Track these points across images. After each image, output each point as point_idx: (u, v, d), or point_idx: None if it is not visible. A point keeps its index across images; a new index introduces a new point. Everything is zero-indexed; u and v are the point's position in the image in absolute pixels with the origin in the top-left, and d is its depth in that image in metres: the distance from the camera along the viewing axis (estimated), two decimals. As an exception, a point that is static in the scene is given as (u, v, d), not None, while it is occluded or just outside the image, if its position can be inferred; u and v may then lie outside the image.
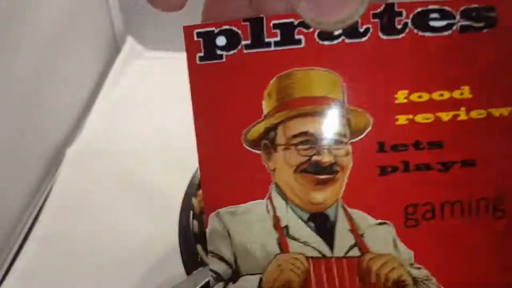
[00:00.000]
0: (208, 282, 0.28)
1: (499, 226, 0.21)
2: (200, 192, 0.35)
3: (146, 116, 0.58)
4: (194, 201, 0.34)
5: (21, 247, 0.44)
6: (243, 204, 0.21)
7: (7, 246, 0.44)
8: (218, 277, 0.21)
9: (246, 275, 0.21)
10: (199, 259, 0.31)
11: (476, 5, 0.19)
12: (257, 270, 0.21)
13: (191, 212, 0.33)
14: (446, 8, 0.19)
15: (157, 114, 0.58)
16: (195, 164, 0.36)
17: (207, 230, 0.21)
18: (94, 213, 0.45)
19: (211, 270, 0.22)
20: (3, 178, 0.44)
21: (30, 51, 0.49)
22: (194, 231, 0.33)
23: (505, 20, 0.20)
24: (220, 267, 0.21)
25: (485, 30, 0.20)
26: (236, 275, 0.21)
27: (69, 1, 0.58)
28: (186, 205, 0.34)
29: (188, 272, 0.30)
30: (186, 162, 0.37)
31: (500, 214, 0.21)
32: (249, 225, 0.21)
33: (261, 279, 0.21)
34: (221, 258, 0.21)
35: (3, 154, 0.44)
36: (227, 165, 0.22)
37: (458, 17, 0.20)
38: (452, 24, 0.20)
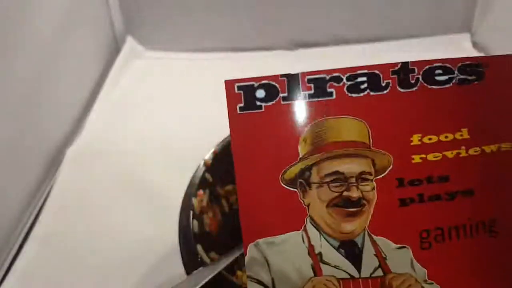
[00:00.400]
0: (208, 282, 0.28)
1: (493, 244, 0.24)
2: (200, 192, 0.35)
3: (146, 116, 0.58)
4: (194, 201, 0.34)
5: (21, 247, 0.44)
6: (280, 235, 0.24)
7: (7, 246, 0.44)
8: None
9: None
10: (199, 259, 0.31)
11: (469, 62, 0.24)
12: None
13: (191, 212, 0.33)
14: (447, 65, 0.24)
15: (157, 114, 0.58)
16: (195, 164, 0.36)
17: (246, 258, 0.24)
18: (94, 213, 0.45)
19: None
20: (3, 178, 0.44)
21: (30, 51, 0.49)
22: (194, 231, 0.32)
23: (490, 74, 0.24)
24: None
25: (476, 82, 0.24)
26: None
27: (69, 1, 0.58)
28: (186, 205, 0.34)
29: (188, 272, 0.30)
30: (186, 162, 0.37)
31: (494, 234, 0.24)
32: (286, 253, 0.24)
33: None
34: (260, 282, 0.24)
35: (3, 154, 0.44)
36: (265, 201, 0.24)
37: (456, 72, 0.24)
38: (452, 78, 0.24)
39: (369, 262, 0.24)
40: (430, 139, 0.24)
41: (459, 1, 0.65)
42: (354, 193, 0.24)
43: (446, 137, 0.24)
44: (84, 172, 0.50)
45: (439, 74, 0.24)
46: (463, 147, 0.24)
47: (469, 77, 0.24)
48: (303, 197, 0.24)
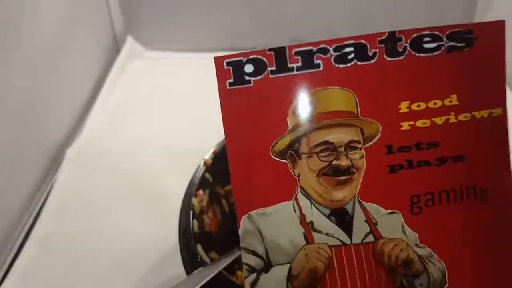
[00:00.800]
0: (208, 282, 0.28)
1: (484, 209, 0.25)
2: (200, 192, 0.35)
3: (146, 116, 0.58)
4: (194, 201, 0.34)
5: (21, 247, 0.44)
6: (272, 206, 0.25)
7: (7, 246, 0.44)
8: (252, 269, 0.24)
9: (277, 265, 0.24)
10: (199, 259, 0.31)
11: (458, 29, 0.25)
12: (286, 260, 0.24)
13: (191, 212, 0.33)
14: (436, 32, 0.24)
15: (157, 114, 0.58)
16: (195, 164, 0.36)
17: (240, 230, 0.25)
18: (94, 213, 0.45)
19: (245, 264, 0.24)
20: (3, 178, 0.44)
21: (30, 51, 0.49)
22: (194, 231, 0.33)
23: (479, 41, 0.25)
24: (253, 261, 0.24)
25: (466, 49, 0.25)
26: (268, 266, 0.24)
27: (69, 1, 0.58)
28: (186, 205, 0.34)
29: (188, 272, 0.30)
30: (186, 162, 0.37)
31: (485, 200, 0.25)
32: (278, 223, 0.24)
33: (290, 268, 0.24)
34: (254, 253, 0.24)
35: (3, 154, 0.44)
36: (256, 174, 0.25)
37: (445, 39, 0.25)
38: (441, 46, 0.25)
39: (360, 228, 0.24)
40: (418, 106, 0.24)
41: (459, 1, 0.65)
42: (343, 162, 0.24)
43: (435, 103, 0.24)
44: (84, 172, 0.50)
45: (428, 42, 0.24)
46: (452, 113, 0.25)
47: (458, 44, 0.25)
48: (293, 167, 0.25)
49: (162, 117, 0.57)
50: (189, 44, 0.69)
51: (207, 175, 0.36)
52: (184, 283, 0.29)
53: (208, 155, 0.36)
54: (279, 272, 0.24)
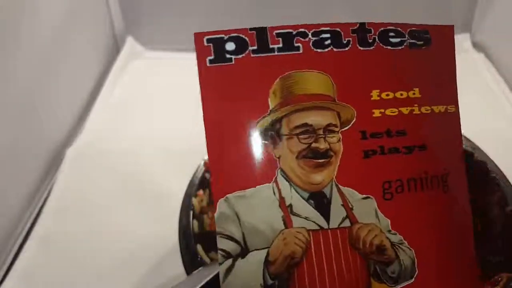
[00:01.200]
0: (208, 282, 0.28)
1: (446, 198, 0.26)
2: (200, 192, 0.35)
3: (146, 116, 0.58)
4: (194, 201, 0.34)
5: (21, 247, 0.44)
6: (251, 188, 0.24)
7: (7, 246, 0.44)
8: (227, 255, 0.24)
9: (253, 250, 0.24)
10: (199, 259, 0.31)
11: (415, 28, 0.26)
12: (264, 245, 0.24)
13: (191, 212, 0.33)
14: (399, 28, 0.26)
15: (157, 114, 0.58)
16: (195, 164, 0.36)
17: (216, 214, 0.24)
18: (94, 213, 0.45)
19: (220, 249, 0.24)
20: (3, 178, 0.44)
21: (30, 51, 0.49)
22: (194, 231, 0.32)
23: (435, 41, 0.26)
24: (229, 246, 0.24)
25: (424, 48, 0.26)
26: (244, 251, 0.24)
27: (69, 1, 0.58)
28: (186, 205, 0.34)
29: (188, 272, 0.30)
30: (186, 162, 0.37)
31: (446, 189, 0.26)
32: (257, 206, 0.24)
33: (268, 253, 0.24)
34: (230, 238, 0.24)
35: (3, 154, 0.44)
36: (235, 155, 0.25)
37: (407, 36, 0.26)
38: (404, 41, 0.26)
39: (337, 212, 0.24)
40: (387, 95, 0.25)
41: (459, 1, 0.65)
42: (322, 145, 0.25)
43: (401, 94, 0.25)
44: (84, 172, 0.50)
45: (392, 36, 0.26)
46: (415, 105, 0.26)
47: (418, 42, 0.26)
48: (273, 148, 0.25)
49: (162, 117, 0.57)
50: (189, 44, 0.69)
51: (207, 175, 0.36)
52: (184, 283, 0.29)
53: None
54: (256, 257, 0.24)
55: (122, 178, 0.48)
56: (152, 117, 0.58)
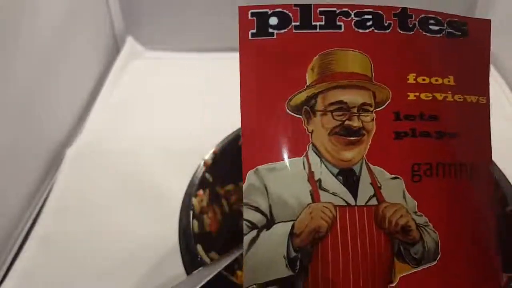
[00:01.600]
0: (208, 282, 0.28)
1: (471, 187, 0.26)
2: (200, 192, 0.35)
3: (146, 116, 0.58)
4: (194, 201, 0.34)
5: (21, 247, 0.44)
6: (282, 161, 0.25)
7: (7, 246, 0.44)
8: (253, 226, 0.24)
9: (279, 222, 0.24)
10: (199, 259, 0.31)
11: (455, 19, 0.27)
12: (290, 217, 0.24)
13: (191, 212, 0.33)
14: (439, 17, 0.26)
15: (157, 114, 0.58)
16: (195, 164, 0.36)
17: (244, 185, 0.24)
18: (94, 213, 0.45)
19: (246, 220, 0.24)
20: (3, 178, 0.44)
21: (30, 51, 0.49)
22: (194, 231, 0.32)
23: (472, 33, 0.27)
24: (255, 217, 0.24)
25: (461, 38, 0.27)
26: (270, 223, 0.24)
27: (69, 1, 0.58)
28: (186, 205, 0.34)
29: (188, 272, 0.30)
30: (186, 162, 0.37)
31: (473, 178, 0.26)
32: (286, 179, 0.24)
33: (293, 225, 0.24)
34: (256, 209, 0.24)
35: (3, 154, 0.44)
36: (269, 128, 0.25)
37: (446, 25, 0.27)
38: (442, 30, 0.26)
39: (365, 190, 0.25)
40: (423, 79, 0.26)
41: (459, 1, 0.65)
42: (355, 123, 0.25)
43: (437, 80, 0.26)
44: (84, 172, 0.50)
45: (432, 24, 0.26)
46: (449, 92, 0.26)
47: (456, 32, 0.26)
48: (307, 123, 0.25)
49: (162, 117, 0.57)
50: (189, 44, 0.69)
51: (207, 175, 0.36)
52: (184, 283, 0.29)
53: (208, 155, 0.36)
54: (281, 229, 0.24)
55: (122, 178, 0.48)
56: (152, 117, 0.58)
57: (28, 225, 0.46)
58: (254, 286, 0.24)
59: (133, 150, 0.52)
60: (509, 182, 0.31)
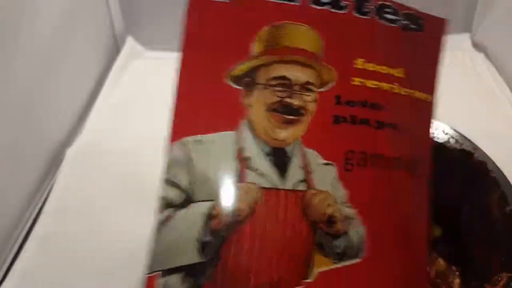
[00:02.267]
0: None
1: (410, 181, 0.25)
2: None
3: (146, 116, 0.58)
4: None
5: (21, 247, 0.44)
6: (211, 134, 0.23)
7: (7, 246, 0.44)
8: (168, 204, 0.23)
9: (198, 201, 0.22)
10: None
11: (411, 12, 0.26)
12: (210, 197, 0.22)
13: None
14: (395, 7, 0.26)
15: (157, 114, 0.58)
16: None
17: (167, 159, 0.23)
18: (94, 213, 0.45)
19: (162, 197, 0.23)
20: (3, 178, 0.44)
21: (30, 52, 0.48)
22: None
23: (428, 29, 0.26)
24: (173, 194, 0.23)
25: (416, 32, 0.26)
26: (187, 201, 0.22)
27: (69, 1, 0.58)
28: (186, 205, 0.34)
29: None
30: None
31: (410, 175, 0.25)
32: (213, 153, 0.23)
33: (212, 206, 0.22)
34: (176, 185, 0.23)
35: (3, 154, 0.44)
36: (205, 97, 0.24)
37: (402, 16, 0.26)
38: (398, 20, 0.26)
39: (294, 173, 0.23)
40: (372, 66, 0.25)
41: (459, 1, 0.65)
42: (296, 101, 0.24)
43: (386, 69, 0.25)
44: (84, 172, 0.50)
45: (389, 13, 0.26)
46: (396, 84, 0.25)
47: (411, 25, 0.26)
48: (245, 97, 0.24)
49: (162, 117, 0.57)
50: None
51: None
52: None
53: (208, 155, 0.36)
54: (199, 209, 0.22)
55: (122, 178, 0.48)
56: (152, 117, 0.58)
57: (28, 225, 0.46)
58: (159, 273, 0.22)
59: (133, 150, 0.52)
60: (509, 182, 0.31)
